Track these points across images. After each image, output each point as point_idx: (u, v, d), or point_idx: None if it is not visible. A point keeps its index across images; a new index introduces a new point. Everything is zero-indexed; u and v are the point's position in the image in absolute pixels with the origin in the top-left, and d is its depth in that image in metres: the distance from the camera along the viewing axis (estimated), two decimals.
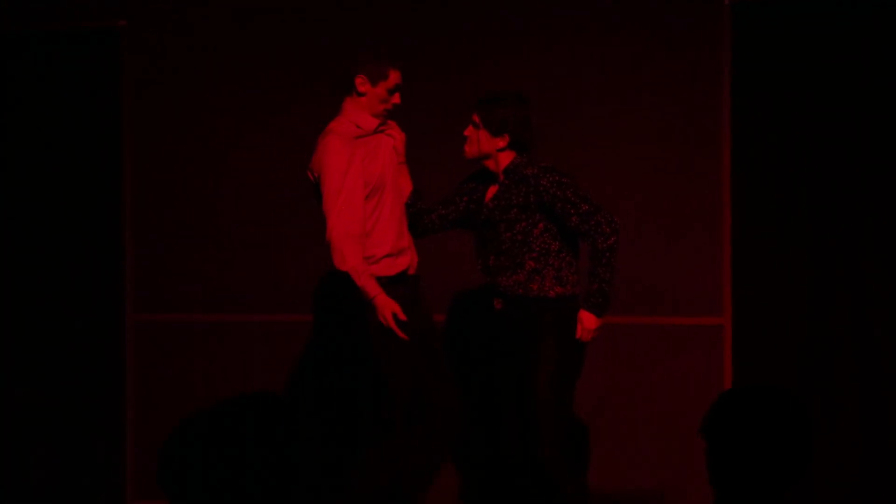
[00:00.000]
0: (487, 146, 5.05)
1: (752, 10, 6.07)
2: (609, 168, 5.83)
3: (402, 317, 5.01)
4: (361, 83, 5.10)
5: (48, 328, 6.77)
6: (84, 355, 6.74)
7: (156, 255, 6.63)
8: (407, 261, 5.19)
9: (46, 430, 6.77)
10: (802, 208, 6.06)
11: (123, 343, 6.68)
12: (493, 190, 5.11)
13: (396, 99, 5.15)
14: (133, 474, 6.66)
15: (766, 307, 6.10)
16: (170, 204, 6.61)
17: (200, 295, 6.59)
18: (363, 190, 5.07)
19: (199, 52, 6.57)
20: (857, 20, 5.97)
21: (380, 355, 5.15)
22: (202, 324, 6.59)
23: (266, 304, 6.52)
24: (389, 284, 5.09)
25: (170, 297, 6.62)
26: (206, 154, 6.57)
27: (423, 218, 5.26)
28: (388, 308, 5.02)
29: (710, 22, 6.08)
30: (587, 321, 4.96)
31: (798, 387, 5.97)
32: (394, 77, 5.11)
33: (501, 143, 5.02)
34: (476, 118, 5.07)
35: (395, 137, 5.21)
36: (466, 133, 5.09)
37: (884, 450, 6.01)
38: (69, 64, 6.71)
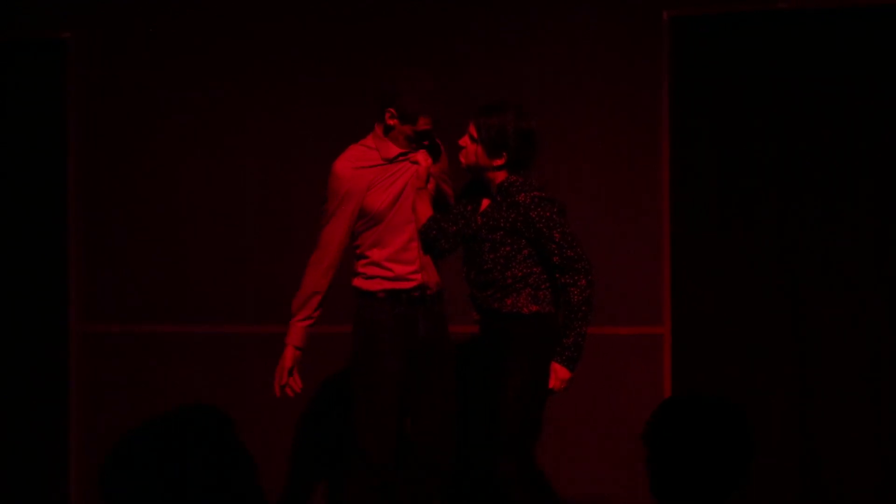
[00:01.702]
0: (484, 161, 4.88)
1: (690, 24, 6.13)
2: (548, 179, 5.85)
3: (297, 385, 5.08)
4: (390, 117, 4.99)
5: None
6: (27, 366, 6.68)
7: (101, 265, 6.60)
8: (408, 285, 5.11)
9: None
10: (740, 218, 6.11)
11: (68, 354, 6.64)
12: (485, 203, 4.97)
13: (425, 141, 5.05)
14: (77, 488, 6.58)
15: (705, 317, 6.15)
16: (115, 213, 6.58)
17: (147, 305, 6.56)
18: (351, 221, 5.06)
19: (145, 63, 6.56)
20: (793, 33, 6.04)
21: (353, 385, 5.13)
22: (149, 334, 6.55)
23: (214, 314, 6.50)
24: (383, 301, 5.09)
25: (116, 306, 6.59)
26: (152, 163, 6.55)
27: (440, 242, 5.02)
28: (284, 360, 5.08)
29: (650, 35, 6.13)
30: (561, 373, 4.89)
31: (737, 395, 6.02)
32: (422, 123, 4.97)
33: (499, 161, 4.86)
34: (473, 131, 4.89)
35: (419, 163, 5.04)
36: (462, 143, 4.90)
37: (822, 456, 6.07)
38: (14, 74, 6.68)
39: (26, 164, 6.70)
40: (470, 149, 4.89)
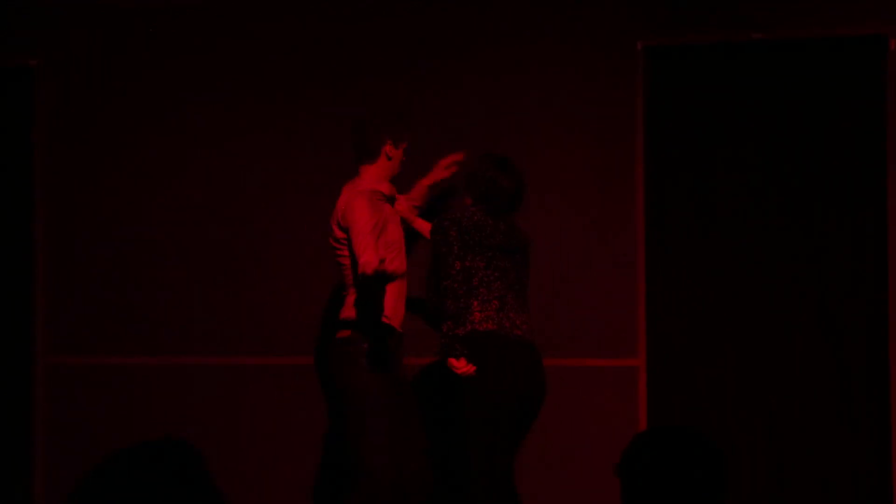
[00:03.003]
0: (467, 202, 5.27)
1: (664, 54, 6.16)
2: (523, 209, 5.84)
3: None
4: (390, 149, 5.19)
5: None
6: None
7: (67, 295, 6.55)
8: (399, 322, 5.26)
9: None
10: (716, 249, 6.13)
11: (32, 386, 6.58)
12: None
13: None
14: None
15: (680, 349, 6.16)
16: (82, 242, 6.55)
17: (113, 336, 6.52)
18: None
19: (112, 91, 6.54)
20: (765, 62, 6.08)
21: (355, 410, 5.16)
22: (115, 366, 6.52)
23: (181, 346, 6.46)
24: (382, 338, 5.17)
25: (82, 338, 6.54)
26: (118, 192, 6.53)
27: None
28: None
29: (625, 65, 6.15)
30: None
31: (711, 428, 6.02)
32: (407, 138, 5.26)
33: (468, 200, 5.25)
34: None
35: (396, 198, 5.33)
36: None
37: (795, 490, 6.07)
38: None
39: None
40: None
